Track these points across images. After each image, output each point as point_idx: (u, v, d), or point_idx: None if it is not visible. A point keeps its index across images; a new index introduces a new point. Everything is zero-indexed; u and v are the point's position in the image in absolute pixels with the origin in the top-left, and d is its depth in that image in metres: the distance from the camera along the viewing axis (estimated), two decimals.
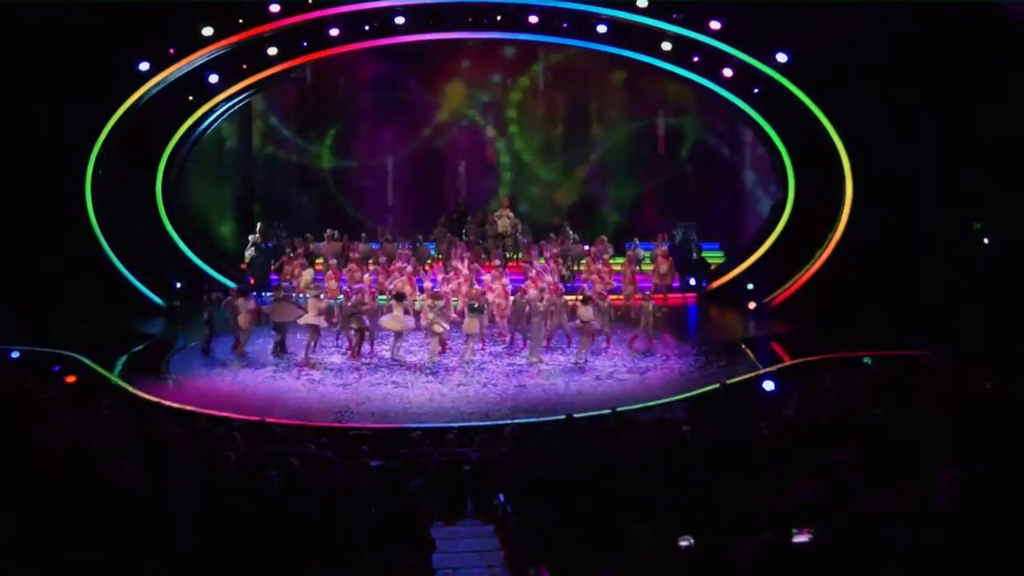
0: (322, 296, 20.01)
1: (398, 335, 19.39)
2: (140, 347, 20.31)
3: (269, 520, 8.17)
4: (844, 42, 20.84)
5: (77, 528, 7.36)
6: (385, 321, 19.45)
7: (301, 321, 19.41)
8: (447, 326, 19.30)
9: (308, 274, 22.00)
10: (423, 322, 19.54)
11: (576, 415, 14.80)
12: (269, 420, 14.23)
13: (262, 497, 8.97)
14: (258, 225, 25.12)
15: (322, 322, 19.49)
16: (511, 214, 25.05)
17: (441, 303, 19.31)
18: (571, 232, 24.64)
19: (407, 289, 20.05)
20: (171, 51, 22.21)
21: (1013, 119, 20.48)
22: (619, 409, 15.17)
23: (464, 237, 24.69)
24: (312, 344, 19.47)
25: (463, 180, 27.50)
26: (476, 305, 19.32)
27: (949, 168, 21.02)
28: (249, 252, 24.70)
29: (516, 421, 15.25)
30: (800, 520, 7.17)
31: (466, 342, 19.28)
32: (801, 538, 7.01)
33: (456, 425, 15.25)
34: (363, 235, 24.58)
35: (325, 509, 8.77)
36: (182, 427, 13.46)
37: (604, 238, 23.82)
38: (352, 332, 19.50)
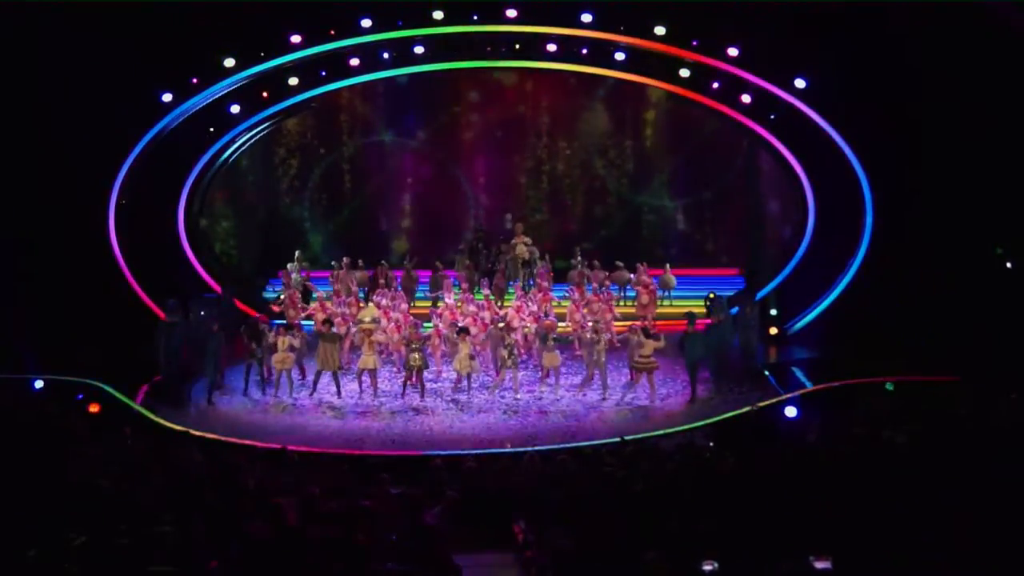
0: (383, 333, 19.37)
1: (419, 372, 18.74)
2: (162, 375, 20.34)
3: (288, 547, 8.18)
4: (863, 67, 20.85)
5: (98, 555, 7.40)
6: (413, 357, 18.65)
7: (360, 365, 18.82)
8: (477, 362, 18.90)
9: (371, 310, 20.12)
10: (455, 365, 18.78)
11: (594, 442, 14.76)
12: (290, 448, 14.28)
13: (280, 524, 8.97)
14: (296, 253, 24.67)
15: (380, 362, 19.05)
16: (528, 240, 24.88)
17: (472, 337, 18.83)
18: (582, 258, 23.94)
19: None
20: (193, 81, 22.52)
21: None
22: (639, 436, 15.12)
23: (483, 265, 24.63)
24: (375, 386, 18.78)
25: (482, 208, 27.53)
26: (550, 337, 18.93)
27: (970, 192, 20.89)
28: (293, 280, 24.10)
29: (536, 448, 15.23)
30: (820, 547, 7.14)
31: (548, 375, 18.94)
32: (821, 565, 6.99)
33: (476, 452, 15.24)
34: (360, 262, 24.04)
35: (345, 536, 8.77)
36: (204, 455, 13.50)
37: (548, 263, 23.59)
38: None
